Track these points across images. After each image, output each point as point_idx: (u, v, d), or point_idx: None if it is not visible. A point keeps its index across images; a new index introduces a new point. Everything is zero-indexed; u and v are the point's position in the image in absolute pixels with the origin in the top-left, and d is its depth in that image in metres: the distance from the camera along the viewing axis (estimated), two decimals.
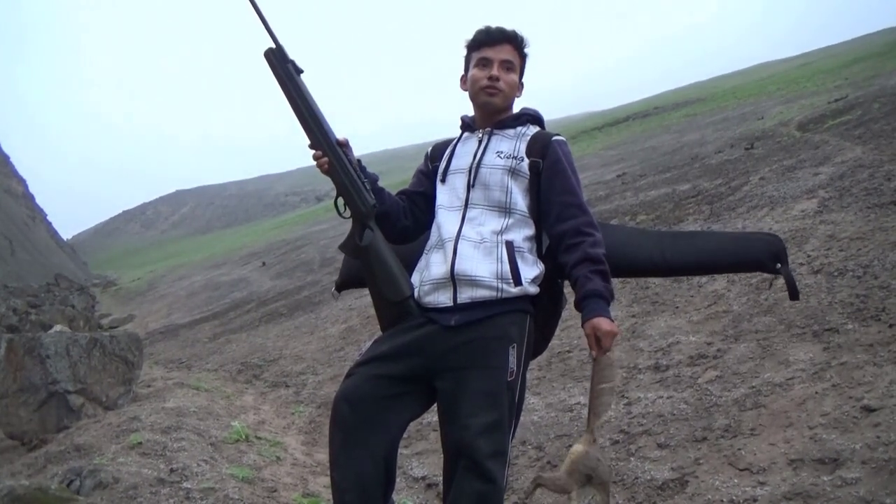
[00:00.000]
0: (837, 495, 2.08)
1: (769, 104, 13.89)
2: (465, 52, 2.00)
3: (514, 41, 1.94)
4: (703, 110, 18.20)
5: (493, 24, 1.96)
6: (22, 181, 39.04)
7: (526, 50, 1.97)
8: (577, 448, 1.88)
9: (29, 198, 38.41)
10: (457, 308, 1.79)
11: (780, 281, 1.92)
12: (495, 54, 1.92)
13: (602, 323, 1.72)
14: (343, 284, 2.16)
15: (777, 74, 25.10)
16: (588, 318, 1.73)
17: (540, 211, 1.89)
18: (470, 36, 1.98)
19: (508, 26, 1.96)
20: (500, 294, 1.77)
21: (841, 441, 2.33)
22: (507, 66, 1.93)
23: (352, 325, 6.42)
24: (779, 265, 1.82)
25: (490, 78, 1.91)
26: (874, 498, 2.02)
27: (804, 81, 16.93)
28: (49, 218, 41.66)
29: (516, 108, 2.01)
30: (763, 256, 1.84)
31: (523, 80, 2.00)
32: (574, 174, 1.89)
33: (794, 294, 1.82)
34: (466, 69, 1.99)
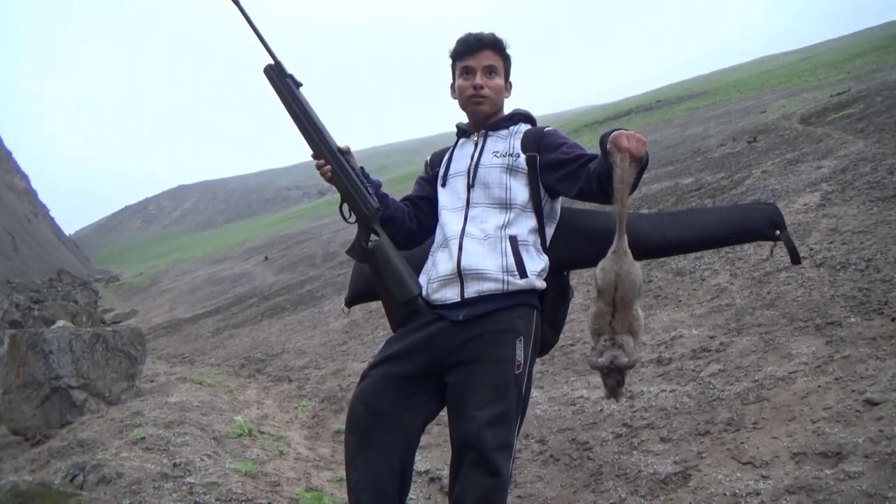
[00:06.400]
0: (840, 489, 2.08)
1: (772, 98, 13.83)
2: (449, 61, 2.01)
3: (494, 46, 1.94)
4: (706, 104, 18.14)
5: (474, 31, 1.96)
6: (24, 177, 39.09)
7: (508, 51, 1.97)
8: (602, 263, 1.69)
9: (31, 194, 38.47)
10: (464, 303, 1.80)
11: (783, 269, 1.91)
12: (477, 62, 1.93)
13: (620, 133, 1.59)
14: (353, 300, 2.18)
15: (779, 68, 25.00)
16: (607, 137, 1.61)
17: (543, 201, 1.90)
18: (452, 46, 1.98)
19: (487, 30, 1.97)
20: (506, 287, 1.79)
21: (844, 435, 2.33)
22: (489, 71, 1.94)
23: (355, 319, 6.43)
24: (778, 231, 1.82)
25: (474, 87, 1.93)
26: (877, 491, 2.02)
27: (806, 75, 16.86)
28: (51, 213, 41.73)
29: (507, 109, 2.03)
30: (762, 225, 1.83)
31: (510, 80, 2.01)
32: (575, 142, 1.91)
33: (795, 258, 1.82)
34: (454, 78, 2.01)
